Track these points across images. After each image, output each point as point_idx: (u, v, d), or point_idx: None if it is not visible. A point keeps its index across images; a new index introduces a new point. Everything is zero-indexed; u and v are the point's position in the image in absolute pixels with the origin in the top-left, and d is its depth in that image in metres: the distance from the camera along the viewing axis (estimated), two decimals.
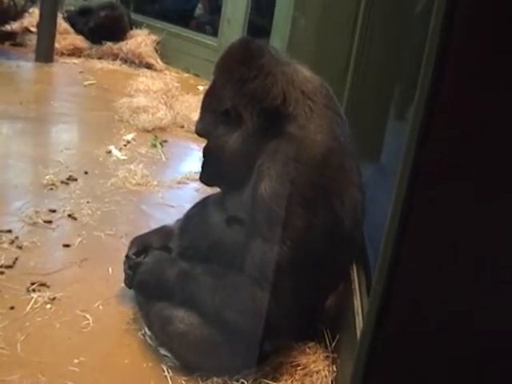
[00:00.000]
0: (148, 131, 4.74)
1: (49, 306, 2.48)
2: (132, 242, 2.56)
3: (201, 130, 2.29)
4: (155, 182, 3.84)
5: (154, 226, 3.02)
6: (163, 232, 2.60)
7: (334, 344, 2.18)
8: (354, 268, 2.27)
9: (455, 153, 1.29)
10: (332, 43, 3.45)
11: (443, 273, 1.37)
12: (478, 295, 1.39)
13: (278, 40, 4.40)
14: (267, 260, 2.00)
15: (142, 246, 2.51)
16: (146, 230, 2.85)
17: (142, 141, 4.56)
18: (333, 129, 2.14)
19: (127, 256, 2.49)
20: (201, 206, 2.46)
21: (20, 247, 2.86)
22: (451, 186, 1.32)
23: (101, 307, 2.53)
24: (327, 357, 2.18)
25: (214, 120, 2.22)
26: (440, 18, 1.22)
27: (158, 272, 2.26)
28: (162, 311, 2.23)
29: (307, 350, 2.20)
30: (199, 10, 7.94)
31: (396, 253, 1.38)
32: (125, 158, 4.17)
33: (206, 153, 2.32)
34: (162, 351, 2.29)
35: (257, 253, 2.02)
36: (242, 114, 2.14)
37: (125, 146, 4.39)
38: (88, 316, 2.45)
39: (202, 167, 2.35)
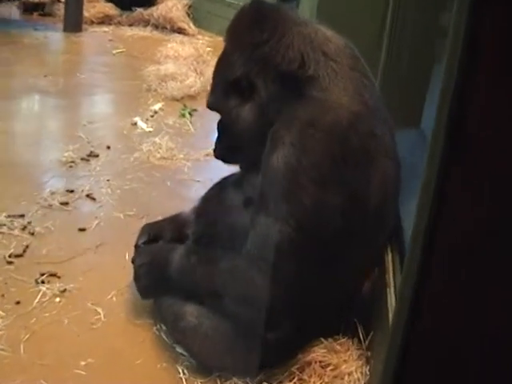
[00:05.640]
0: (177, 100, 4.49)
1: (58, 299, 2.28)
2: (142, 230, 2.34)
3: (212, 104, 2.04)
4: (181, 155, 3.59)
5: (178, 203, 2.84)
6: (177, 220, 2.37)
7: (368, 340, 1.92)
8: (389, 250, 1.99)
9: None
10: (365, 4, 3.12)
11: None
12: None
13: (306, 3, 4.05)
14: (269, 239, 1.77)
15: (153, 234, 2.28)
16: (169, 209, 2.65)
17: (171, 110, 4.32)
18: (360, 92, 1.86)
19: (136, 245, 2.26)
20: (219, 188, 2.22)
21: (32, 233, 2.66)
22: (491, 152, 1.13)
23: (114, 299, 2.32)
24: (361, 355, 1.92)
25: (224, 91, 1.97)
26: None
27: (156, 269, 2.07)
28: (172, 306, 2.02)
29: (338, 348, 1.94)
30: None
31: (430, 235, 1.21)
32: (151, 129, 3.93)
33: (220, 127, 2.07)
34: (178, 349, 2.07)
35: (259, 230, 1.80)
36: (254, 82, 1.88)
37: (151, 116, 4.15)
38: (99, 310, 2.24)
39: (216, 143, 2.10)
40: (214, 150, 2.12)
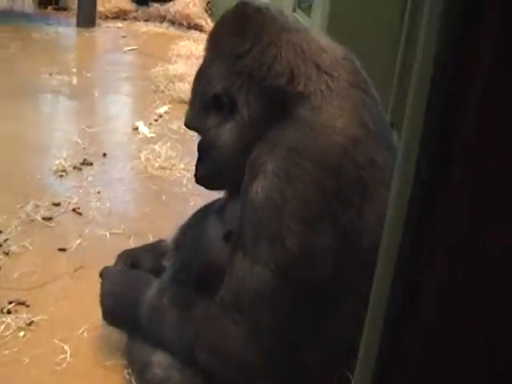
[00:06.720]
0: (185, 102, 4.20)
1: (22, 333, 2.05)
2: (119, 257, 2.09)
3: (189, 122, 1.79)
4: (182, 165, 3.34)
5: (172, 221, 2.53)
6: (158, 248, 2.12)
7: None
8: None
9: None
10: (381, 10, 2.83)
11: None
12: None
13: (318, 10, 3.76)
14: (246, 285, 1.53)
15: (130, 262, 2.04)
16: (161, 227, 2.48)
17: (177, 113, 4.04)
18: (359, 113, 1.58)
19: None
20: (200, 216, 1.96)
21: (7, 253, 2.44)
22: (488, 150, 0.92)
23: (85, 334, 2.07)
24: None
25: (203, 108, 1.71)
26: None
27: (127, 307, 1.80)
28: (140, 353, 1.75)
29: None
30: None
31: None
32: (153, 135, 3.69)
33: (200, 149, 1.81)
34: None
35: (235, 274, 1.56)
36: (235, 99, 1.61)
37: (156, 120, 3.91)
38: (66, 347, 2.00)
39: (196, 166, 1.85)
40: (195, 175, 1.86)
